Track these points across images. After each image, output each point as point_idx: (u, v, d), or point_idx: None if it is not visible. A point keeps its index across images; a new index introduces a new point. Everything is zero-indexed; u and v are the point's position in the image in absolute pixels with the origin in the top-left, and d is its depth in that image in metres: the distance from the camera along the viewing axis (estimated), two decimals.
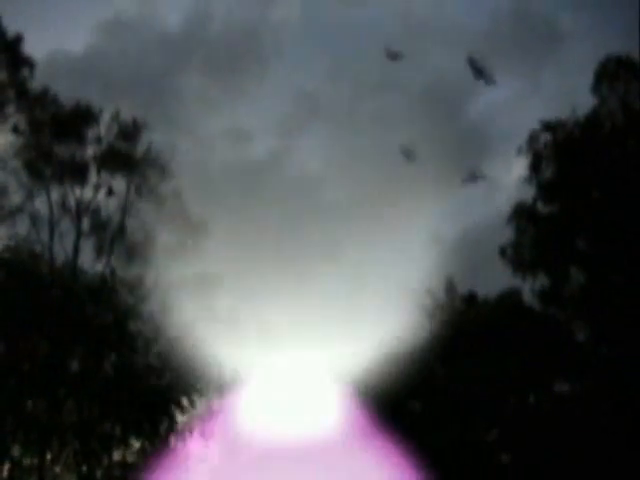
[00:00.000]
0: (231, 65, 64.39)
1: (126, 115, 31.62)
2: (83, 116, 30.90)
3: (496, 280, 32.22)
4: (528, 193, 30.57)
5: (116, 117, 31.54)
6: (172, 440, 28.92)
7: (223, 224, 37.47)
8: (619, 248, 27.60)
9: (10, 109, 29.73)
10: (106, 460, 29.87)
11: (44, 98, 30.29)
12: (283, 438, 31.90)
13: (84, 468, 29.24)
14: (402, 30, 66.42)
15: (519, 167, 31.12)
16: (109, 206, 31.11)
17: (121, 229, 30.86)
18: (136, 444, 30.16)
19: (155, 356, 31.31)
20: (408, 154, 26.62)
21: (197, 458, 28.75)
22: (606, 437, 25.31)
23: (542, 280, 30.26)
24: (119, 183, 31.19)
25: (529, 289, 30.82)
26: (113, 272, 30.63)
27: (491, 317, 31.51)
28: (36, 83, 30.12)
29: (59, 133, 30.33)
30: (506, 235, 30.70)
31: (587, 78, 29.80)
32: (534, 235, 30.11)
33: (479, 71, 24.92)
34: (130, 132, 31.56)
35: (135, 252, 30.89)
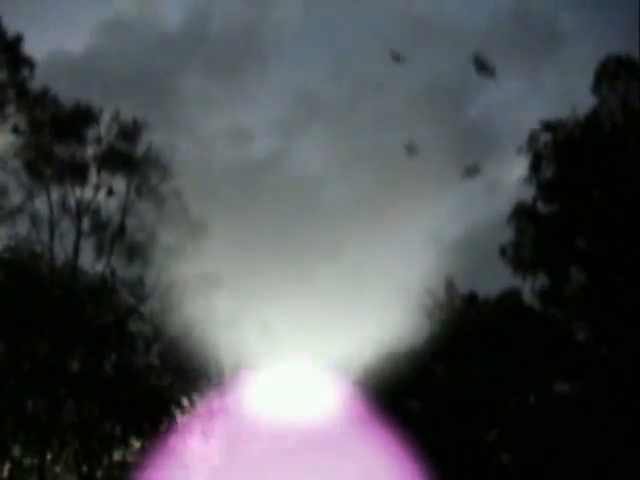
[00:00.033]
0: (231, 65, 64.42)
1: (126, 115, 31.63)
2: (83, 116, 30.89)
3: (496, 280, 32.26)
4: (528, 193, 30.60)
5: (116, 117, 31.53)
6: (172, 440, 28.92)
7: (223, 224, 37.47)
8: (619, 248, 27.60)
9: (10, 109, 29.72)
10: (106, 460, 29.91)
11: (44, 98, 30.26)
12: (283, 435, 31.92)
13: (84, 468, 29.27)
14: (402, 30, 66.45)
15: (519, 167, 31.15)
16: (109, 206, 31.13)
17: (121, 229, 30.85)
18: (136, 444, 30.20)
19: (155, 356, 31.33)
20: (411, 149, 26.51)
21: (197, 458, 28.79)
22: (606, 437, 25.31)
23: (542, 280, 30.26)
24: (119, 183, 31.21)
25: (529, 289, 30.84)
26: (113, 272, 30.64)
27: (491, 317, 31.53)
28: (36, 83, 30.10)
29: (59, 133, 30.31)
30: (506, 235, 30.72)
31: (587, 78, 29.82)
32: (534, 235, 30.11)
33: (482, 66, 24.88)
34: (130, 132, 31.55)
35: (135, 252, 30.88)
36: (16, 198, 29.67)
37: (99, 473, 29.75)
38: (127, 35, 61.00)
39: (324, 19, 70.32)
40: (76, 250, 30.11)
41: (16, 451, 28.73)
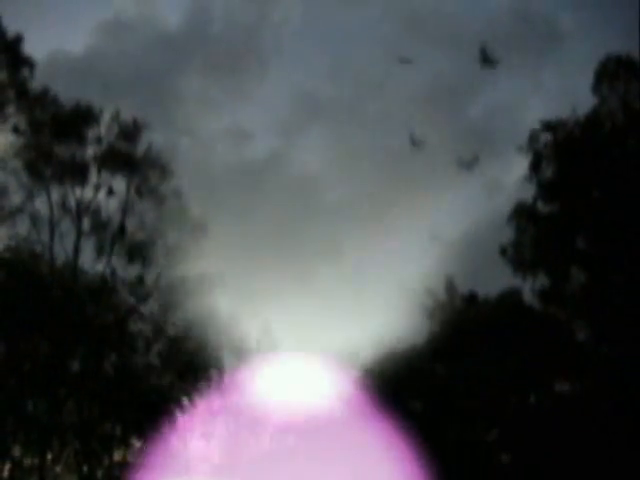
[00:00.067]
0: (231, 65, 64.37)
1: (126, 115, 31.66)
2: (83, 116, 30.89)
3: (496, 280, 32.24)
4: (528, 193, 30.60)
5: (116, 117, 31.54)
6: (173, 440, 28.92)
7: (223, 224, 37.49)
8: (619, 247, 27.59)
9: (10, 109, 29.72)
10: (107, 460, 29.93)
11: (44, 98, 30.27)
12: (283, 434, 31.93)
13: (85, 468, 29.28)
14: (402, 30, 66.48)
15: (519, 167, 31.13)
16: (109, 206, 31.17)
17: (121, 229, 30.86)
18: (136, 444, 30.21)
19: (155, 356, 31.34)
20: (416, 142, 26.40)
21: (198, 457, 28.78)
22: (606, 437, 25.29)
23: (542, 280, 30.25)
24: (119, 183, 31.24)
25: (529, 289, 30.82)
26: (113, 272, 30.65)
27: (491, 317, 31.50)
28: (36, 83, 30.12)
29: (59, 133, 30.32)
30: (506, 235, 30.71)
31: (587, 78, 29.82)
32: (534, 235, 30.10)
33: (486, 59, 24.82)
34: (130, 132, 31.56)
35: (135, 252, 30.89)
36: (16, 198, 29.73)
37: (99, 473, 29.76)
38: (127, 35, 61.02)
39: (324, 19, 70.25)
40: (76, 250, 30.13)
41: (16, 451, 28.77)
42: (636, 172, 27.89)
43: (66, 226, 30.29)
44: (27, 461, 28.86)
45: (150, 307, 31.03)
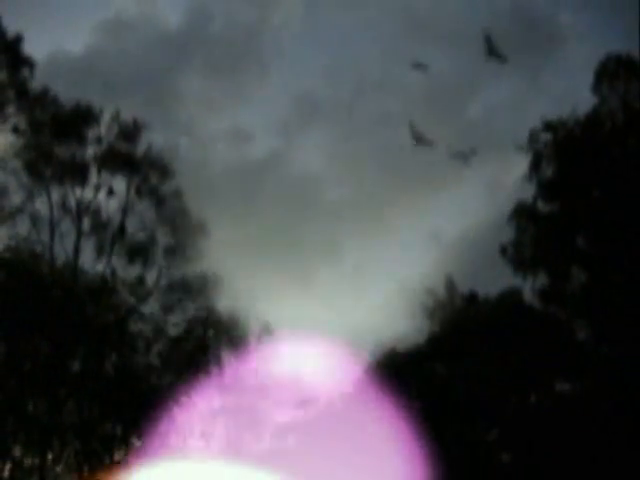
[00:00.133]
0: (231, 65, 64.50)
1: (126, 115, 31.65)
2: (83, 116, 30.89)
3: (496, 279, 32.26)
4: (528, 192, 30.60)
5: (116, 117, 31.53)
6: (173, 439, 28.94)
7: (223, 224, 37.51)
8: (619, 247, 27.58)
9: (10, 109, 29.71)
10: (107, 460, 29.91)
11: (44, 98, 30.26)
12: (283, 433, 31.94)
13: (85, 468, 29.27)
14: (402, 30, 66.52)
15: (519, 167, 31.13)
16: (109, 206, 31.16)
17: (121, 229, 30.86)
18: (137, 444, 30.21)
19: (155, 356, 31.35)
20: (417, 137, 26.28)
21: (198, 456, 28.79)
22: (607, 437, 25.28)
23: (543, 279, 30.24)
24: (119, 183, 31.23)
25: (530, 288, 30.81)
26: (113, 272, 30.65)
27: (492, 316, 31.49)
28: (36, 83, 30.11)
29: (59, 133, 30.32)
30: (506, 234, 30.71)
31: (587, 77, 29.83)
32: (534, 234, 30.09)
33: (493, 51, 24.57)
34: (130, 132, 31.55)
35: (135, 252, 30.88)
36: (16, 198, 29.74)
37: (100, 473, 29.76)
38: (127, 35, 61.13)
39: (324, 19, 70.38)
40: (76, 250, 30.13)
41: (17, 451, 28.80)
42: (636, 172, 27.89)
43: (66, 226, 30.32)
44: (27, 461, 28.89)
45: (150, 307, 31.05)
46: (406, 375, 30.37)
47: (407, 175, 57.79)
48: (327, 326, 33.82)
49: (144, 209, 31.36)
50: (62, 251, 29.98)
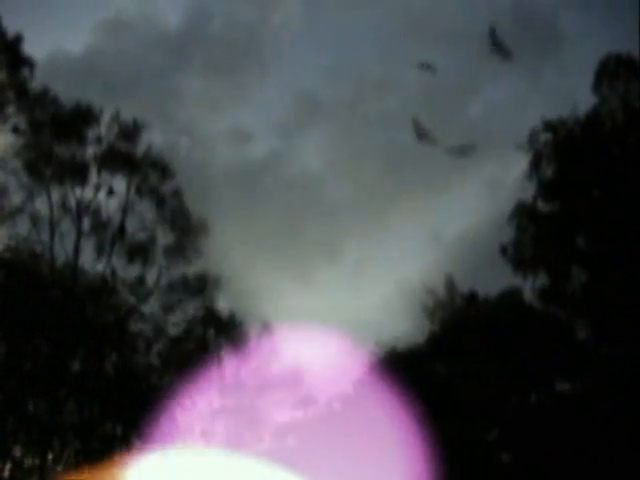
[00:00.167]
0: (231, 65, 64.50)
1: (126, 115, 31.66)
2: (83, 116, 30.89)
3: (497, 279, 32.25)
4: (528, 192, 30.59)
5: (116, 117, 31.54)
6: (174, 439, 28.92)
7: (223, 224, 37.51)
8: (620, 247, 27.57)
9: (10, 109, 29.72)
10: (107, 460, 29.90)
11: (44, 98, 30.27)
12: (284, 433, 31.92)
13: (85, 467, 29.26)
14: (402, 30, 66.52)
15: (519, 166, 31.13)
16: (109, 206, 31.17)
17: (121, 229, 30.86)
18: (137, 444, 30.20)
19: (155, 356, 31.35)
20: (421, 133, 26.13)
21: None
22: (607, 436, 25.27)
23: (543, 279, 30.23)
24: (119, 183, 31.25)
25: (530, 288, 30.79)
26: (113, 272, 30.65)
27: (492, 316, 31.48)
28: (36, 83, 30.12)
29: (59, 133, 30.32)
30: (507, 234, 30.70)
31: (587, 77, 29.83)
32: (535, 234, 30.07)
33: (498, 45, 24.31)
34: (130, 132, 31.56)
35: (135, 252, 30.89)
36: (16, 198, 29.75)
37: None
38: (127, 35, 61.16)
39: (324, 19, 70.34)
40: (76, 250, 30.13)
41: (17, 451, 28.77)
42: (636, 171, 27.87)
43: (66, 226, 30.33)
44: (28, 461, 28.87)
45: (150, 307, 31.05)
46: (406, 375, 30.32)
47: (407, 175, 57.81)
48: (327, 326, 33.76)
49: (144, 209, 31.40)
50: (62, 251, 30.03)
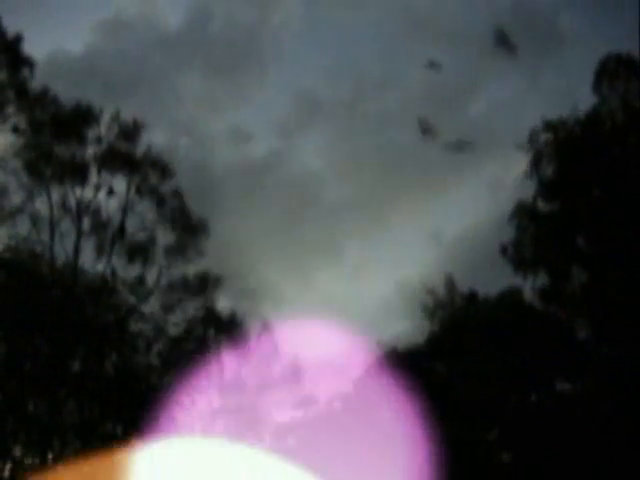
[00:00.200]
0: (231, 65, 64.49)
1: (126, 115, 31.65)
2: (83, 116, 30.88)
3: (497, 278, 32.26)
4: (529, 192, 30.60)
5: (116, 117, 31.53)
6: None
7: (223, 224, 37.52)
8: (620, 246, 27.57)
9: (10, 109, 29.71)
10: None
11: (44, 98, 30.26)
12: (284, 433, 31.89)
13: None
14: (402, 30, 66.54)
15: (520, 166, 31.13)
16: (109, 206, 31.16)
17: (121, 229, 30.85)
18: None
19: (155, 356, 31.34)
20: (426, 128, 26.11)
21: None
22: (607, 436, 25.27)
23: (543, 278, 30.23)
24: (119, 183, 31.24)
25: (530, 287, 30.80)
26: (113, 272, 30.64)
27: (492, 315, 31.48)
28: (36, 83, 30.11)
29: (59, 133, 30.31)
30: (507, 233, 30.70)
31: (587, 77, 29.84)
32: (535, 233, 30.07)
33: (503, 40, 24.32)
34: (130, 132, 31.54)
35: (135, 252, 30.88)
36: (16, 198, 29.73)
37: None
38: (127, 35, 61.12)
39: (324, 19, 70.32)
40: (76, 250, 30.12)
41: (17, 451, 28.75)
42: (636, 171, 27.87)
43: (66, 226, 30.32)
44: (28, 461, 28.85)
45: (150, 307, 31.05)
46: (406, 375, 30.33)
47: (407, 175, 57.82)
48: (327, 326, 33.77)
49: (144, 209, 31.40)
50: (62, 251, 30.01)
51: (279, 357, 33.45)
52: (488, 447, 30.80)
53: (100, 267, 30.51)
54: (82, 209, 30.59)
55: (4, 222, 29.41)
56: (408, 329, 33.32)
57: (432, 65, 25.68)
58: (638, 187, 27.37)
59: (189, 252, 31.44)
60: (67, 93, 30.82)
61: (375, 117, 62.42)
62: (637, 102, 29.05)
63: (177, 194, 31.55)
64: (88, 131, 31.07)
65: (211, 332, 32.09)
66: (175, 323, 31.54)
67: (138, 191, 31.31)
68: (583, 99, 30.20)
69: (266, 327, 33.52)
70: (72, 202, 30.55)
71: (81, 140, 30.91)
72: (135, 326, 31.07)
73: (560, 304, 29.98)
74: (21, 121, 29.95)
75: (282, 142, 65.68)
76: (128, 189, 31.18)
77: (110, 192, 30.92)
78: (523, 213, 30.38)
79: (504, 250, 30.59)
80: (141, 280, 30.88)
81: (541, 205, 30.55)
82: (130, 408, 29.00)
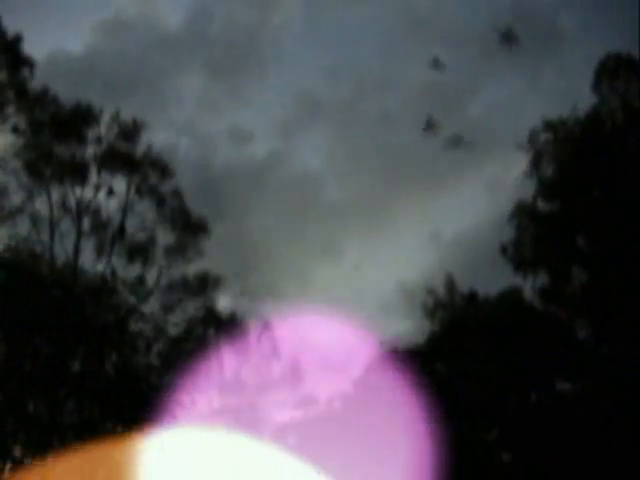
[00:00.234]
0: (231, 65, 64.50)
1: (126, 115, 31.63)
2: (83, 116, 30.85)
3: (497, 278, 32.27)
4: (528, 191, 30.62)
5: (116, 117, 31.50)
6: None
7: (223, 224, 37.52)
8: (620, 246, 27.59)
9: (10, 109, 29.69)
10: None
11: (44, 98, 30.23)
12: (283, 433, 31.88)
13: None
14: (402, 30, 66.53)
15: (519, 166, 31.15)
16: (109, 206, 31.13)
17: (121, 229, 30.84)
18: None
19: (155, 356, 31.34)
20: (430, 124, 26.02)
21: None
22: (607, 436, 25.28)
23: (543, 278, 30.27)
24: (119, 183, 31.19)
25: (530, 287, 30.84)
26: (113, 272, 30.62)
27: (492, 315, 31.50)
28: (36, 83, 30.07)
29: (59, 133, 30.28)
30: (507, 233, 30.72)
31: (587, 76, 29.84)
32: (535, 233, 30.10)
33: (507, 35, 24.26)
34: (130, 132, 31.52)
35: (135, 252, 30.87)
36: (16, 198, 29.69)
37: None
38: (127, 35, 61.13)
39: (324, 19, 70.31)
40: (76, 250, 30.09)
41: (17, 451, 28.73)
42: (636, 171, 27.88)
43: (66, 226, 30.26)
44: (28, 461, 28.83)
45: (150, 307, 31.03)
46: (406, 375, 30.33)
47: (407, 175, 57.82)
48: (327, 326, 33.78)
49: (144, 209, 31.36)
50: (62, 251, 29.96)
51: (279, 357, 33.43)
52: (488, 447, 30.80)
53: (100, 267, 30.50)
54: (82, 209, 30.56)
55: (4, 222, 29.40)
56: (408, 329, 33.32)
57: (436, 64, 25.57)
58: (638, 187, 27.38)
59: (189, 252, 31.43)
60: (67, 93, 30.82)
61: (375, 117, 62.43)
62: (637, 102, 29.07)
63: (177, 194, 31.53)
64: (88, 131, 31.03)
65: (211, 332, 32.07)
66: (175, 323, 31.52)
67: (138, 191, 31.28)
68: (583, 99, 30.22)
69: (266, 327, 33.49)
70: (72, 202, 30.53)
71: (81, 140, 30.88)
72: (135, 326, 31.06)
73: (560, 304, 30.01)
74: (21, 121, 29.92)
75: (282, 142, 65.66)
76: (128, 189, 31.16)
77: (110, 192, 30.90)
78: (523, 213, 30.40)
79: (504, 250, 30.61)
80: (141, 280, 30.86)
81: (541, 205, 30.60)
82: (130, 408, 28.99)
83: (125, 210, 30.99)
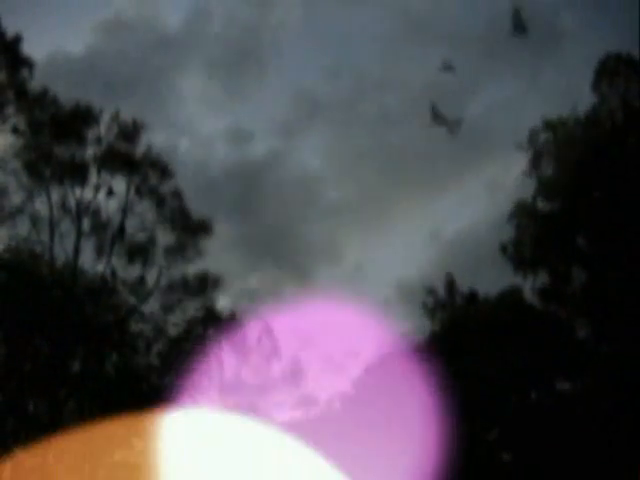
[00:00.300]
0: (231, 65, 64.54)
1: (126, 115, 31.62)
2: (83, 116, 30.82)
3: (497, 278, 32.29)
4: (528, 191, 30.65)
5: (116, 117, 31.48)
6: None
7: (223, 224, 37.53)
8: (619, 246, 27.61)
9: (10, 110, 29.67)
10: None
11: (44, 98, 30.21)
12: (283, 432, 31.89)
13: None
14: (402, 30, 66.55)
15: (519, 165, 31.18)
16: (109, 206, 31.10)
17: (121, 229, 30.82)
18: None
19: (155, 356, 31.33)
20: (436, 116, 25.84)
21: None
22: (607, 435, 25.30)
23: (543, 278, 30.32)
24: (119, 183, 31.15)
25: (530, 287, 30.89)
26: (113, 272, 30.61)
27: (492, 315, 31.51)
28: (36, 83, 30.05)
29: (59, 133, 30.25)
30: (507, 233, 30.75)
31: (587, 76, 29.87)
32: (535, 233, 30.13)
33: (519, 25, 24.10)
34: (130, 132, 31.49)
35: (135, 252, 30.86)
36: (16, 199, 29.66)
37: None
38: (127, 35, 61.15)
39: (324, 19, 70.32)
40: (76, 250, 30.07)
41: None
42: (636, 171, 27.90)
43: (66, 226, 30.23)
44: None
45: (150, 307, 31.01)
46: (406, 375, 30.35)
47: (407, 175, 57.86)
48: (327, 326, 33.81)
49: (144, 209, 31.33)
50: (62, 251, 29.92)
51: (279, 357, 33.43)
52: (488, 446, 30.81)
53: (100, 267, 30.48)
54: (82, 209, 30.53)
55: (4, 222, 29.38)
56: (408, 329, 33.29)
57: (447, 67, 25.39)
58: (638, 187, 27.40)
59: (189, 252, 31.41)
60: (67, 93, 30.78)
61: (375, 117, 62.45)
62: (637, 102, 29.10)
63: (177, 194, 31.50)
64: (88, 131, 30.99)
65: (211, 332, 32.06)
66: (175, 323, 31.51)
67: (138, 191, 31.26)
68: (583, 99, 30.25)
69: (266, 327, 33.49)
70: (72, 202, 30.50)
71: (81, 140, 30.85)
72: (135, 326, 31.04)
73: (560, 304, 30.04)
74: (21, 122, 29.90)
75: (282, 142, 65.74)
76: (128, 189, 31.13)
77: (110, 192, 30.87)
78: (523, 213, 30.44)
79: (504, 250, 30.65)
80: (141, 280, 30.84)
81: (541, 205, 30.64)
82: (130, 408, 28.98)
83: (125, 210, 30.97)
